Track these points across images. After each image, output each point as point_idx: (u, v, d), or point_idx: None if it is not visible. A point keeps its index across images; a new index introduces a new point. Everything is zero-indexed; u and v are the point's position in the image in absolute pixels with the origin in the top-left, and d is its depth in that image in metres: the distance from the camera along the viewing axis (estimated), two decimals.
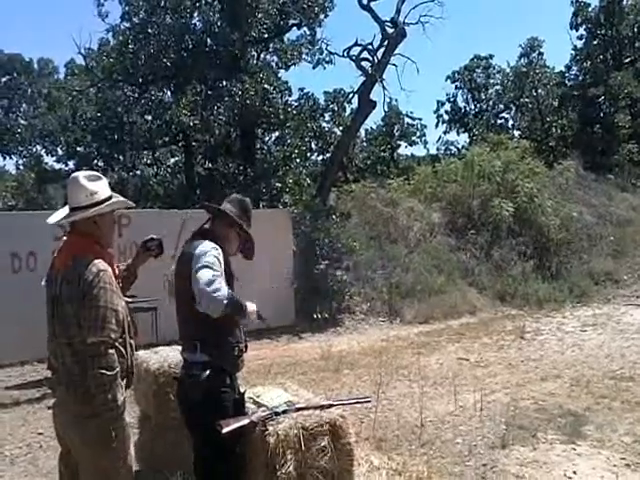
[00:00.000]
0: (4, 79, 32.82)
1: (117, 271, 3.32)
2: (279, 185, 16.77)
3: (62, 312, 3.06)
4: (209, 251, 3.36)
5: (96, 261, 3.05)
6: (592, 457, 5.46)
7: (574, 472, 5.15)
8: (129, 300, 7.43)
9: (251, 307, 3.46)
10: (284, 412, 3.51)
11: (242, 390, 3.74)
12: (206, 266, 3.27)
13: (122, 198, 3.39)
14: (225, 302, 3.19)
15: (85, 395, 2.97)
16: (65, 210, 3.25)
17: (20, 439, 6.31)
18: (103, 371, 2.93)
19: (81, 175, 3.23)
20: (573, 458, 5.44)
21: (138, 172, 23.99)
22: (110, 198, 3.26)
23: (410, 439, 5.91)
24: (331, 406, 3.63)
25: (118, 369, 3.01)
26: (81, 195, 3.16)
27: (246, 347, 3.72)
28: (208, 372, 3.42)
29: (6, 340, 8.40)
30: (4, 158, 33.00)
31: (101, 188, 3.23)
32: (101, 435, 3.02)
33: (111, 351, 2.97)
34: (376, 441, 5.68)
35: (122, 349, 3.09)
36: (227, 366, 3.50)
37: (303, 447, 3.39)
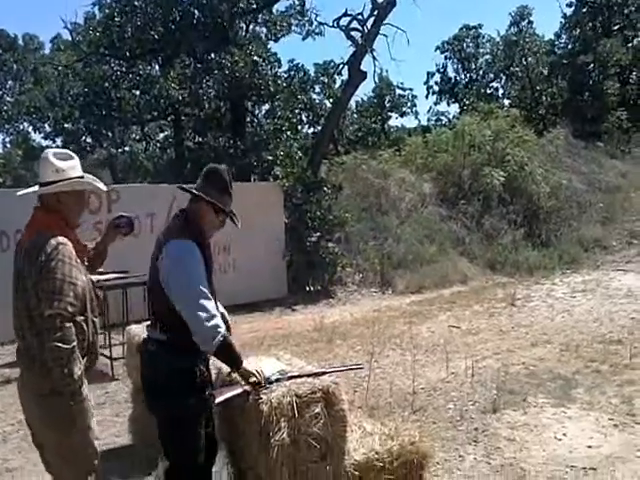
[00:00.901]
0: None
1: (82, 247, 3.29)
2: (270, 158, 16.65)
3: (23, 286, 3.05)
4: (186, 261, 3.18)
5: (57, 236, 3.03)
6: (581, 419, 5.56)
7: (564, 434, 5.25)
8: (121, 276, 7.46)
9: (250, 367, 3.34)
10: (277, 381, 3.53)
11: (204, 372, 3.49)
12: (198, 295, 3.12)
13: (92, 181, 3.33)
14: (221, 340, 3.12)
15: (42, 369, 2.95)
16: (36, 187, 3.23)
17: (12, 416, 6.30)
18: (59, 344, 2.88)
19: (51, 152, 3.22)
20: (563, 420, 5.55)
21: (127, 148, 23.90)
22: (79, 178, 3.24)
23: (403, 406, 5.99)
24: (324, 374, 3.66)
25: (75, 343, 2.94)
26: (48, 171, 3.15)
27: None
28: (163, 350, 3.30)
29: None
30: None
31: (69, 167, 3.20)
32: (61, 413, 3.00)
33: (68, 325, 2.92)
34: (369, 409, 5.74)
35: (83, 325, 3.07)
36: (186, 349, 3.28)
37: (296, 414, 3.40)
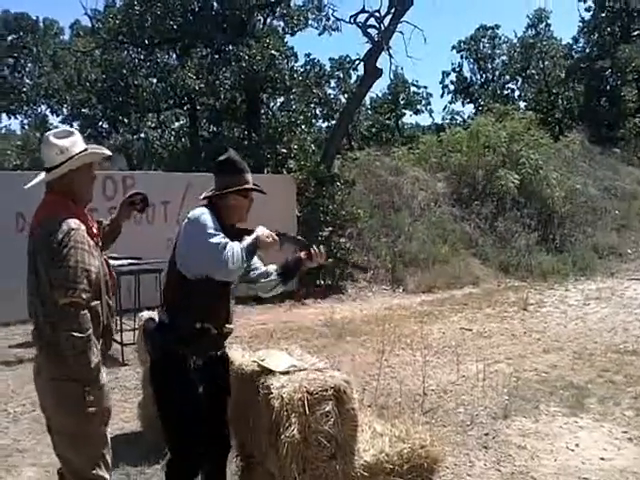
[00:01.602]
0: (10, 38, 32.40)
1: (95, 228, 3.22)
2: (284, 151, 16.64)
3: (36, 270, 3.00)
4: (200, 216, 3.20)
5: (68, 220, 2.96)
6: (594, 430, 5.45)
7: (576, 444, 5.14)
8: (134, 262, 7.44)
9: (261, 231, 3.29)
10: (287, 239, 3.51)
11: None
12: (205, 233, 3.10)
13: (97, 148, 3.29)
14: (242, 262, 3.09)
15: (57, 356, 2.91)
16: (42, 174, 3.15)
17: (24, 396, 6.32)
18: (75, 333, 2.84)
19: (51, 134, 3.14)
20: (575, 430, 5.44)
21: (143, 135, 23.93)
22: (84, 151, 3.16)
23: (412, 407, 5.89)
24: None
25: (90, 331, 2.91)
26: (52, 153, 3.07)
27: (221, 334, 3.43)
28: (161, 331, 3.33)
29: (9, 298, 8.40)
30: (9, 118, 32.93)
31: (73, 143, 3.11)
32: (75, 399, 2.96)
33: (83, 312, 2.89)
34: (378, 408, 5.66)
35: (99, 309, 3.03)
36: (183, 336, 3.26)
37: (307, 411, 3.36)
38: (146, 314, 5.11)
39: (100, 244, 3.23)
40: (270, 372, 3.63)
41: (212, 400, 3.40)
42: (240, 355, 4.01)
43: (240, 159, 3.46)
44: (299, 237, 3.66)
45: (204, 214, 3.21)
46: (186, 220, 3.27)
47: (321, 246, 3.54)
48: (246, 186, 3.39)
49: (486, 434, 5.37)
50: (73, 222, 2.97)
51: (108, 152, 3.37)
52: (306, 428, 3.37)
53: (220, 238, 3.09)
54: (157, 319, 3.44)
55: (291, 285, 12.08)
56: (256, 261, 3.53)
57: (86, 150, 3.17)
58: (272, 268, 3.58)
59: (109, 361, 7.11)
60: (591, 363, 7.45)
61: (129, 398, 6.18)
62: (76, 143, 3.14)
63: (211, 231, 3.11)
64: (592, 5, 30.14)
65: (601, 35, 30.00)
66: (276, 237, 3.33)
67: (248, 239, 3.22)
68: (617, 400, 6.14)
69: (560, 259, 14.89)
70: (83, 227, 3.02)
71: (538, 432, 5.39)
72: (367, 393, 6.09)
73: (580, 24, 31.41)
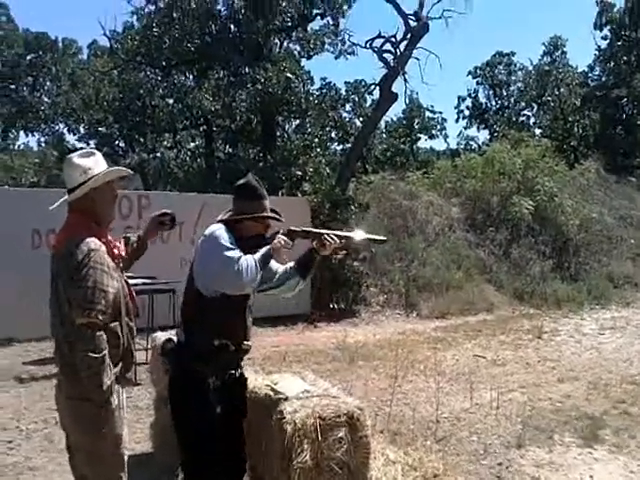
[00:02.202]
0: (29, 57, 32.90)
1: (117, 250, 3.22)
2: (299, 173, 16.73)
3: (57, 290, 3.01)
4: (214, 231, 3.25)
5: (88, 240, 2.96)
6: (609, 462, 5.36)
7: (590, 476, 5.05)
8: (148, 281, 7.42)
9: (276, 242, 3.34)
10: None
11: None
12: (220, 246, 3.15)
13: (117, 167, 3.30)
14: (256, 273, 3.14)
15: (75, 376, 2.93)
16: (67, 196, 3.16)
17: (36, 414, 6.31)
18: (90, 354, 2.85)
19: (74, 155, 3.16)
20: (590, 462, 5.35)
21: (158, 154, 24.13)
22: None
23: (425, 435, 5.84)
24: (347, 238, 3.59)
25: (105, 352, 2.91)
26: (75, 173, 3.08)
27: (240, 351, 3.42)
28: (178, 350, 3.35)
29: (24, 315, 8.47)
30: (27, 135, 33.35)
31: (95, 163, 3.13)
32: (90, 418, 2.97)
33: (99, 333, 2.89)
34: (391, 435, 5.62)
35: (117, 331, 3.03)
36: (200, 355, 3.27)
37: (320, 437, 3.35)
38: (160, 334, 5.10)
39: (121, 265, 3.22)
40: (283, 397, 3.61)
41: (229, 420, 3.37)
42: (253, 378, 3.99)
43: (259, 185, 3.46)
44: (309, 229, 3.67)
45: (219, 229, 3.25)
46: (202, 237, 3.31)
47: (333, 233, 3.55)
48: (263, 214, 3.42)
49: (499, 464, 5.29)
50: (93, 243, 2.97)
51: (128, 171, 3.39)
52: (318, 454, 3.35)
53: (234, 252, 3.13)
54: (176, 339, 3.44)
55: (306, 308, 12.07)
56: (275, 265, 3.55)
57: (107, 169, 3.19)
58: (290, 266, 3.61)
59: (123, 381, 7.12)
60: (606, 394, 7.34)
61: (141, 418, 6.14)
62: (98, 163, 3.15)
63: (226, 244, 3.15)
64: (608, 34, 30.29)
65: (617, 64, 30.07)
66: (288, 240, 3.38)
67: (261, 250, 3.26)
68: (632, 432, 6.03)
69: (575, 287, 14.78)
70: (103, 248, 3.02)
71: (552, 463, 5.31)
72: (379, 419, 6.05)
73: (596, 52, 31.61)
